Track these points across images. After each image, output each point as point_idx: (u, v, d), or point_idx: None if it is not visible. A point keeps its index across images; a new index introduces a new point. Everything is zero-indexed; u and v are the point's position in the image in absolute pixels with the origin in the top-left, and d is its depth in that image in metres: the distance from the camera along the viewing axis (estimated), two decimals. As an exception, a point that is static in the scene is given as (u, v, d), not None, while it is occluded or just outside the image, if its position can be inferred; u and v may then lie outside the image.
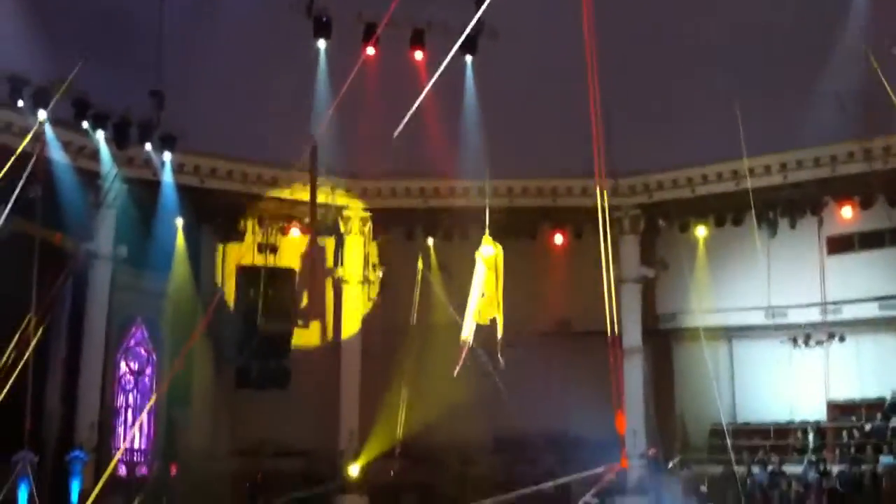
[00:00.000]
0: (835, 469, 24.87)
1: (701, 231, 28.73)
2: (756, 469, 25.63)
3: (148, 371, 28.10)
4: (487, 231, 13.27)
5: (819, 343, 27.50)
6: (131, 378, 27.72)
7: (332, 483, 22.65)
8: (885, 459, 24.56)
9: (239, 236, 28.67)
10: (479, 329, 12.78)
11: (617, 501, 24.03)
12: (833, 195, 26.91)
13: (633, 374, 26.79)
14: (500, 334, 12.21)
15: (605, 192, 10.96)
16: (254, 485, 23.95)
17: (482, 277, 12.71)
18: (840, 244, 28.10)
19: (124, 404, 27.30)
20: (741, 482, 24.23)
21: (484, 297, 12.61)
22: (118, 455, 15.45)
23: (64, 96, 22.06)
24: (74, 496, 22.22)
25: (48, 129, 23.14)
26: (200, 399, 28.22)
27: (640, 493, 24.52)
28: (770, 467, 25.75)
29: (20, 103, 22.53)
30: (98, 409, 24.83)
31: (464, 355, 13.02)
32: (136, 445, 26.86)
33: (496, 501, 17.79)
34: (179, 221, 27.56)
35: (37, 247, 21.61)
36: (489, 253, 12.69)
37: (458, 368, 13.03)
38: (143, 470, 26.43)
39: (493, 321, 12.62)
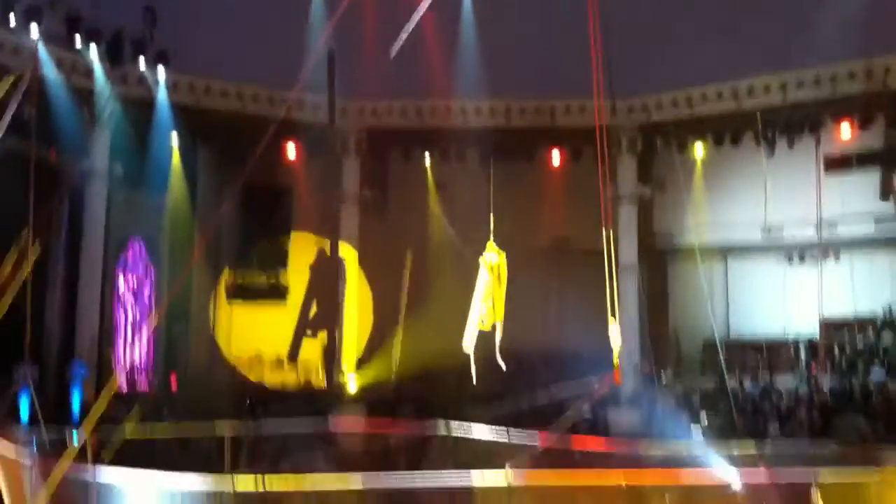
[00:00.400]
0: (826, 383, 25.24)
1: (699, 151, 28.70)
2: (748, 383, 26.00)
3: (146, 288, 28.32)
4: (492, 237, 13.27)
5: (814, 261, 27.70)
6: (130, 295, 27.95)
7: (330, 395, 23.02)
8: (875, 374, 24.93)
9: (236, 155, 28.64)
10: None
11: (610, 414, 24.39)
12: (832, 115, 26.82)
13: (629, 292, 27.00)
14: (499, 338, 12.35)
15: (603, 111, 10.92)
16: (252, 396, 24.32)
17: (488, 284, 12.76)
18: (838, 163, 28.10)
19: (123, 320, 27.57)
20: (733, 396, 24.60)
21: (489, 306, 12.64)
22: (119, 371, 15.65)
23: (56, 12, 21.84)
24: (76, 408, 22.57)
25: (41, 46, 22.96)
26: (198, 314, 28.51)
27: (633, 406, 24.89)
28: (762, 382, 26.13)
29: (12, 21, 22.31)
30: (98, 325, 25.10)
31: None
32: (137, 360, 27.21)
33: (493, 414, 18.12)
34: (175, 140, 27.51)
35: (32, 165, 21.60)
36: (493, 260, 12.75)
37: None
38: (144, 383, 26.83)
39: (494, 326, 12.67)
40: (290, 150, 28.90)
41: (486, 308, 12.09)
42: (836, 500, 13.15)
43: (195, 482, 12.92)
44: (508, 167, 28.59)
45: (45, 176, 22.60)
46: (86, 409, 20.84)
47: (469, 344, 11.94)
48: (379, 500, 17.37)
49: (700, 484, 14.89)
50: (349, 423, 21.16)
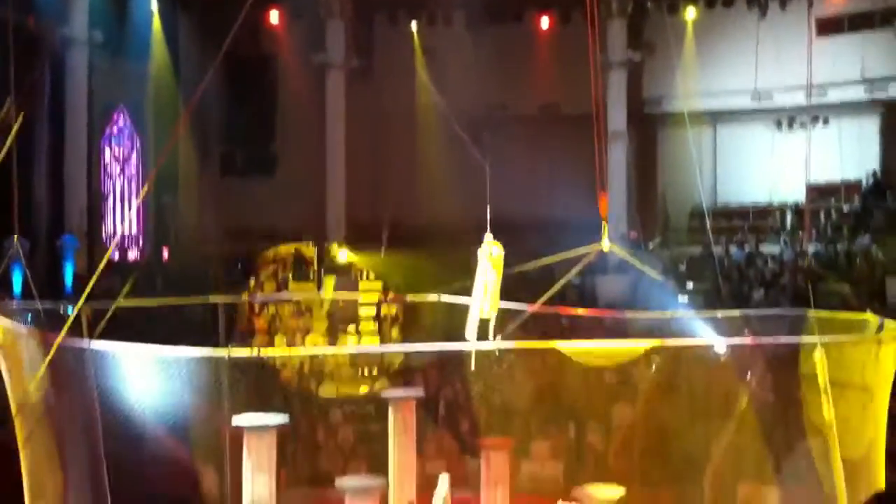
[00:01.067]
0: (811, 249, 25.56)
1: (690, 13, 28.20)
2: (734, 249, 26.31)
3: (133, 158, 28.12)
4: (489, 229, 13.12)
5: (802, 126, 27.63)
6: (117, 164, 27.76)
7: (320, 266, 23.14)
8: (860, 239, 25.22)
9: (217, 21, 27.98)
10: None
11: (598, 281, 24.73)
12: (826, -27, 26.32)
13: (617, 158, 26.99)
14: (492, 324, 12.44)
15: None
16: (245, 264, 24.44)
17: (491, 277, 12.75)
18: (829, 26, 27.71)
19: (112, 190, 27.47)
20: (719, 263, 24.92)
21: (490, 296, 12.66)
22: (115, 243, 15.68)
23: None
24: (68, 280, 22.70)
25: None
26: (187, 185, 28.41)
27: (620, 273, 25.19)
28: (747, 248, 26.43)
29: None
30: (86, 195, 25.01)
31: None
32: (127, 231, 27.24)
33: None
34: (154, 5, 26.82)
35: (10, 32, 21.05)
36: (494, 252, 12.65)
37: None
38: (136, 254, 26.93)
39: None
40: (273, 15, 28.25)
41: (488, 300, 12.29)
42: (830, 362, 13.42)
43: (191, 352, 13.10)
44: (496, 31, 28.12)
45: (25, 43, 22.07)
46: (78, 281, 20.98)
47: (471, 335, 12.27)
48: (371, 364, 17.77)
49: (686, 350, 15.20)
50: (341, 293, 21.36)
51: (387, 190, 27.92)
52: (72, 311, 14.30)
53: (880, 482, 13.04)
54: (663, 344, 15.41)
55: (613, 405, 16.56)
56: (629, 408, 16.26)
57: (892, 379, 13.14)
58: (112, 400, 13.34)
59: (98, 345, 13.42)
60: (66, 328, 12.58)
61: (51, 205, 24.55)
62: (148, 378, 13.69)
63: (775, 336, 14.53)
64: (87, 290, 13.43)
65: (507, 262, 19.11)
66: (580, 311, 18.16)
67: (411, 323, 19.38)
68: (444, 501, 14.97)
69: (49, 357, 12.30)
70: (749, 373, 15.20)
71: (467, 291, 17.11)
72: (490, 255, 12.34)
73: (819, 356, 12.52)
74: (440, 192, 26.24)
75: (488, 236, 12.47)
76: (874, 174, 27.44)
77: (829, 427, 12.83)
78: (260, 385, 15.91)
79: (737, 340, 14.62)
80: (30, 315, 16.38)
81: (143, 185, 26.74)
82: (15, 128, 17.07)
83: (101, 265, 12.40)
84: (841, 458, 13.03)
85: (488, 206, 15.53)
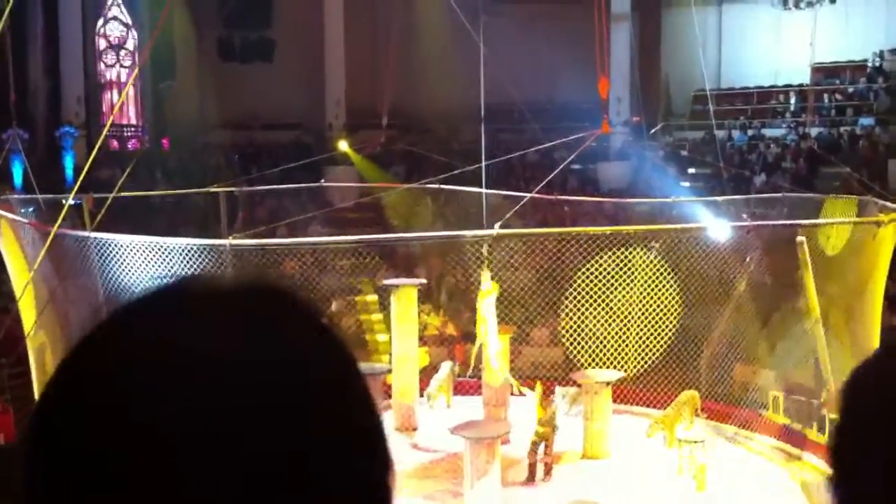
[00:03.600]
0: (814, 131, 25.36)
1: None
2: (736, 133, 26.11)
3: (129, 45, 27.70)
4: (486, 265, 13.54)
5: (810, 5, 27.05)
6: (113, 53, 27.36)
7: (321, 153, 23.03)
8: (863, 121, 25.00)
9: None
10: None
11: (599, 168, 24.64)
12: None
13: (620, 41, 26.51)
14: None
15: None
16: (243, 155, 24.36)
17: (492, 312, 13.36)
18: None
19: (109, 79, 27.15)
20: (721, 146, 24.77)
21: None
22: (107, 128, 15.52)
23: None
24: (69, 170, 22.66)
25: None
26: (184, 72, 28.05)
27: (622, 159, 25.10)
28: (750, 131, 26.22)
29: None
30: (83, 84, 24.73)
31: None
32: (126, 120, 27.03)
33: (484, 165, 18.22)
34: None
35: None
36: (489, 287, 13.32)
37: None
38: (135, 143, 26.80)
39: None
40: None
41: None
42: (829, 244, 13.49)
43: (192, 242, 13.18)
44: None
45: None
46: (78, 171, 20.93)
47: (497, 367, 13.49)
48: (372, 252, 17.83)
49: (685, 235, 15.26)
50: (342, 182, 21.37)
51: (385, 75, 27.54)
52: (71, 201, 14.37)
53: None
54: (664, 231, 15.50)
55: (613, 291, 16.69)
56: (629, 293, 16.39)
57: (889, 261, 13.22)
58: (114, 290, 13.49)
59: (99, 235, 13.51)
60: (62, 216, 12.64)
61: (48, 93, 24.31)
62: (150, 268, 13.82)
63: (775, 220, 14.59)
64: (82, 177, 13.44)
65: (508, 148, 19.05)
66: (581, 198, 18.23)
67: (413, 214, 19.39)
68: (443, 386, 15.27)
69: (47, 245, 12.38)
70: (748, 257, 15.28)
71: (467, 181, 17.12)
72: (488, 291, 13.13)
73: (800, 242, 12.58)
74: (439, 76, 25.89)
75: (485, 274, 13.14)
76: (880, 55, 27.01)
77: (814, 310, 12.96)
78: (262, 274, 16.04)
79: (737, 224, 14.67)
80: (31, 205, 16.46)
81: (140, 72, 26.39)
82: (7, 11, 16.76)
83: (94, 151, 12.34)
84: (839, 337, 13.22)
85: (482, 93, 15.35)
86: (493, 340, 13.47)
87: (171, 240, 13.14)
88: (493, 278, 13.63)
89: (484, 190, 16.07)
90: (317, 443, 0.80)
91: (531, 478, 12.71)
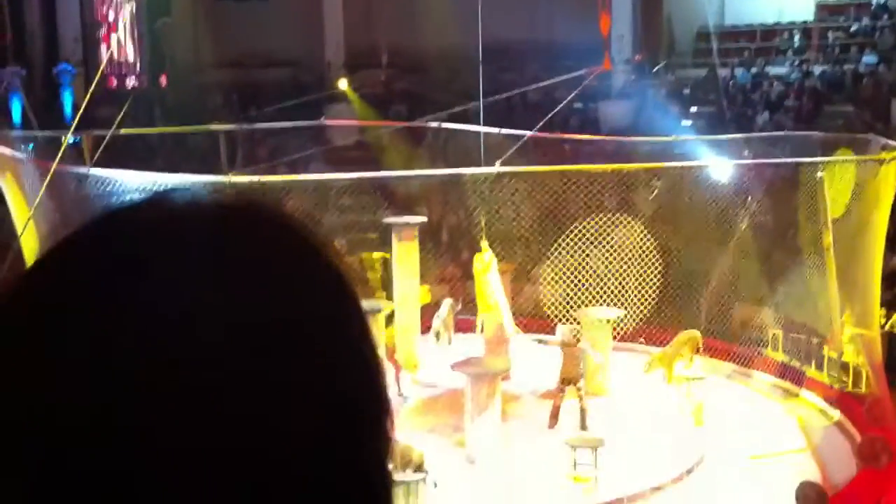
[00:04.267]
0: (817, 69, 25.15)
1: None
2: (739, 71, 25.89)
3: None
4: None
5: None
6: (109, -9, 27.04)
7: (320, 93, 22.87)
8: (867, 59, 24.77)
9: None
10: None
11: (601, 107, 24.46)
12: None
13: (622, -22, 26.17)
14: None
15: None
16: (243, 93, 24.20)
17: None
18: None
19: (105, 18, 26.84)
20: (724, 85, 24.59)
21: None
22: (103, 66, 15.39)
23: None
24: (67, 108, 22.52)
25: None
26: (181, 10, 27.73)
27: (624, 98, 24.91)
28: (753, 69, 26.00)
29: None
30: (79, 23, 24.48)
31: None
32: (123, 58, 26.79)
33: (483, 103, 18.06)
34: None
35: None
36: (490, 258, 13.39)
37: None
38: (133, 81, 26.59)
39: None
40: None
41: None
42: (830, 182, 13.46)
43: (191, 179, 13.13)
44: None
45: None
46: (77, 109, 20.81)
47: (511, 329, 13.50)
48: (373, 191, 17.80)
49: (687, 174, 15.23)
50: (342, 121, 21.24)
51: (384, 13, 27.21)
52: (70, 139, 14.29)
53: (876, 300, 13.30)
54: (666, 169, 15.46)
55: (614, 229, 16.69)
56: (630, 231, 16.38)
57: (891, 200, 13.19)
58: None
59: (98, 171, 13.46)
60: (60, 154, 12.59)
61: (45, 32, 24.07)
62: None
63: (777, 158, 14.54)
64: (79, 115, 13.36)
65: (507, 86, 18.91)
66: (582, 136, 18.12)
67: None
68: (444, 324, 15.34)
69: (46, 182, 12.35)
70: (749, 196, 15.26)
71: (468, 122, 17.02)
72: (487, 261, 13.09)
73: (821, 179, 12.57)
74: (439, 15, 25.59)
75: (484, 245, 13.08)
76: (887, -9, 26.67)
77: (827, 249, 12.97)
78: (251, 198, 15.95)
79: (738, 162, 14.62)
80: (31, 144, 16.38)
81: (135, 11, 26.11)
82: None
83: (92, 88, 12.26)
84: (838, 276, 13.26)
85: (480, 32, 15.17)
86: (506, 314, 13.48)
87: (171, 176, 13.11)
88: (494, 215, 13.65)
89: (482, 128, 15.97)
90: (309, 382, 0.71)
91: (554, 422, 12.53)
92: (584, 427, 12.29)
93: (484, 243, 13.62)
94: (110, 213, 0.75)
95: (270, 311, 0.71)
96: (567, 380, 12.55)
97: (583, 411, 12.41)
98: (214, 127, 17.35)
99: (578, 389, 12.43)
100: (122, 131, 16.68)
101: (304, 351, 0.71)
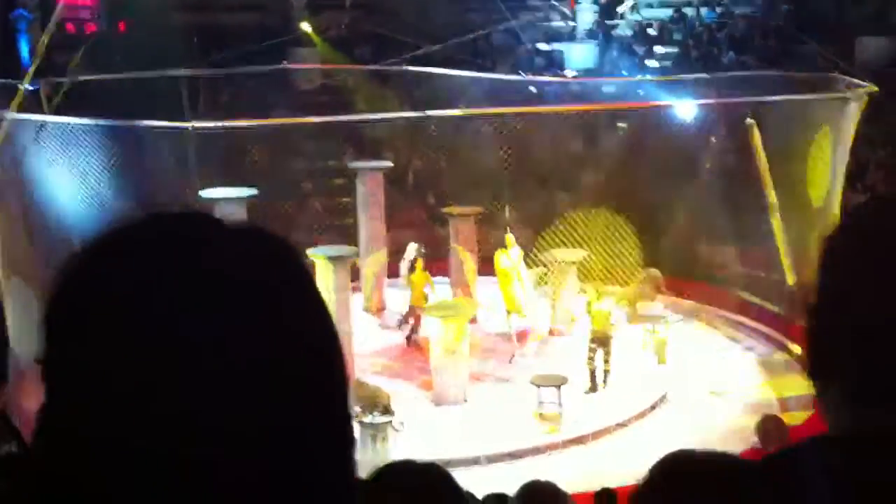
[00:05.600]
0: (784, 6, 25.06)
1: None
2: (705, 10, 25.71)
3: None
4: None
5: None
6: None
7: (285, 36, 22.54)
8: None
9: None
10: None
11: (565, 49, 24.27)
12: None
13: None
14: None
15: None
16: (205, 38, 23.77)
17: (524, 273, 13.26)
18: None
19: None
20: (689, 25, 24.51)
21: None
22: (60, 8, 15.08)
23: None
24: (24, 54, 22.08)
25: None
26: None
27: (589, 39, 24.73)
28: (719, 8, 25.83)
29: None
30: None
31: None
32: (81, 2, 26.24)
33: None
34: None
35: None
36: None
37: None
38: (92, 27, 26.06)
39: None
40: None
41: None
42: (796, 120, 13.50)
43: (153, 125, 12.99)
44: None
45: None
46: (34, 56, 20.42)
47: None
48: (338, 136, 17.70)
49: (652, 115, 15.23)
50: (303, 65, 20.99)
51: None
52: (27, 86, 14.06)
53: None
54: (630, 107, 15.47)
55: (580, 171, 16.72)
56: (595, 173, 16.42)
57: (853, 137, 13.30)
58: (76, 176, 13.35)
59: (58, 119, 13.28)
60: (16, 101, 12.40)
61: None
62: (111, 152, 13.66)
63: (741, 98, 14.56)
64: (36, 63, 13.13)
65: (473, 26, 18.79)
66: (548, 78, 18.06)
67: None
68: (411, 266, 15.31)
69: (4, 132, 12.17)
70: (713, 137, 15.31)
71: (434, 64, 16.90)
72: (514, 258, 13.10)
73: (750, 125, 12.59)
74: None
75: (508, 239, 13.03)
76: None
77: (770, 196, 13.05)
78: (228, 158, 15.87)
79: (701, 102, 14.63)
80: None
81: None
82: None
83: (48, 34, 12.03)
84: (803, 209, 13.34)
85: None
86: (538, 310, 13.39)
87: (133, 123, 12.96)
88: (461, 158, 13.60)
89: (448, 71, 15.89)
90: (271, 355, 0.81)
91: (593, 387, 12.26)
92: (593, 388, 12.23)
93: (510, 237, 13.42)
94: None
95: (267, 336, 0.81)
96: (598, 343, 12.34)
97: (605, 372, 12.31)
98: (174, 72, 17.12)
99: (599, 348, 12.29)
100: (81, 78, 16.42)
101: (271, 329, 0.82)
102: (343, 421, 0.86)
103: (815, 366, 1.05)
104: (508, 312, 13.31)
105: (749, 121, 12.63)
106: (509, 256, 13.30)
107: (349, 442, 0.87)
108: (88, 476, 0.77)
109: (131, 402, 0.76)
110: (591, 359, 12.31)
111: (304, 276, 0.89)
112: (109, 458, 0.76)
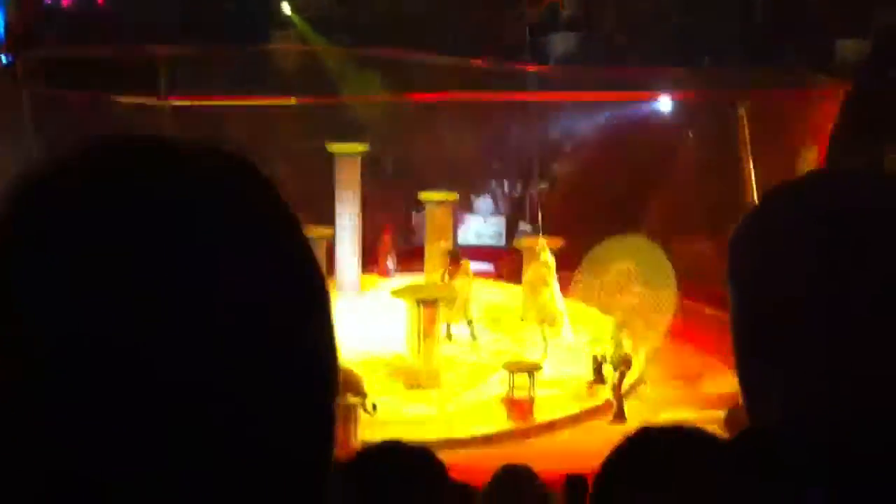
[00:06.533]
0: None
1: None
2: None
3: None
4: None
5: None
6: None
7: (265, 16, 22.35)
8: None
9: None
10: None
11: (550, 38, 24.23)
12: None
13: None
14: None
15: None
16: (186, 14, 23.55)
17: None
18: None
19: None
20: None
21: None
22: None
23: None
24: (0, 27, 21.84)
25: None
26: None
27: (572, 30, 24.71)
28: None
29: None
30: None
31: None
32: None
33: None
34: None
35: None
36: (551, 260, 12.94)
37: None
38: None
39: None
40: None
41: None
42: (764, 118, 13.57)
43: (129, 100, 12.91)
44: None
45: None
46: (10, 28, 20.18)
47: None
48: (316, 116, 17.58)
49: (629, 105, 15.27)
50: (284, 46, 20.85)
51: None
52: (2, 59, 13.92)
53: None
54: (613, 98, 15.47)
55: (556, 159, 16.74)
56: (572, 162, 16.44)
57: (827, 132, 13.41)
58: (52, 149, 13.22)
59: (35, 91, 13.17)
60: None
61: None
62: (86, 126, 13.52)
63: (717, 91, 14.63)
64: (12, 33, 12.98)
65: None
66: (526, 66, 18.00)
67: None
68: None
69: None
70: (688, 129, 15.37)
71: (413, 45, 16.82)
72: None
73: (742, 113, 12.65)
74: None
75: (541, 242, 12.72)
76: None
77: (749, 182, 13.12)
78: (205, 137, 15.73)
79: (678, 92, 14.68)
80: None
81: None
82: None
83: (23, 5, 11.87)
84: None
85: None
86: (559, 301, 13.00)
87: (111, 96, 12.85)
88: (439, 144, 13.51)
89: (429, 56, 15.84)
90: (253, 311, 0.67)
91: (620, 415, 11.48)
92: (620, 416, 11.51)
93: (542, 242, 13.07)
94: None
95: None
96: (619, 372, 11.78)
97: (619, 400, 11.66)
98: (154, 48, 16.96)
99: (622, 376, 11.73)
100: (58, 51, 16.28)
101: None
102: (328, 386, 0.72)
103: (735, 346, 1.03)
104: (540, 322, 12.86)
105: (740, 109, 12.69)
106: (546, 264, 12.92)
107: (332, 415, 0.73)
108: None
109: (84, 357, 0.63)
110: (617, 388, 11.68)
111: (286, 209, 0.73)
112: (65, 414, 0.63)
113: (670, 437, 1.13)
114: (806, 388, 0.93)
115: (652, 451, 1.13)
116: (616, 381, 11.61)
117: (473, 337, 13.34)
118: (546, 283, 12.75)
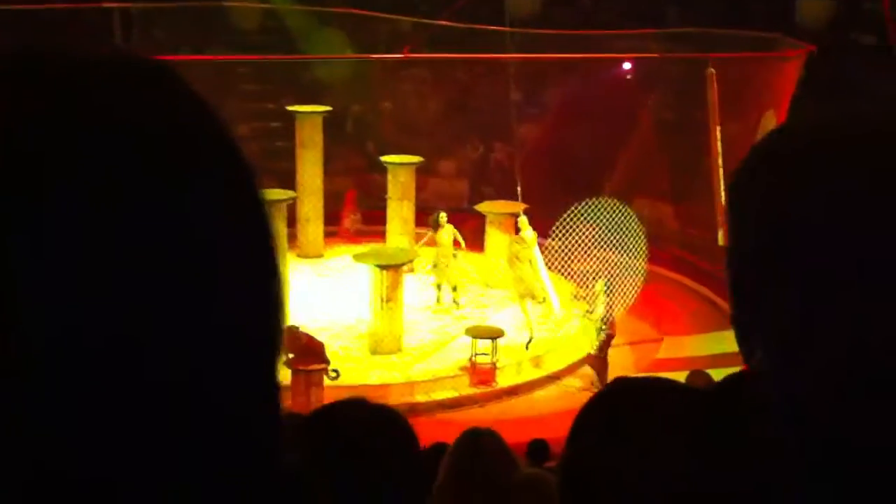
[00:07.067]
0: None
1: None
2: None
3: None
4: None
5: None
6: None
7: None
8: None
9: None
10: None
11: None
12: None
13: None
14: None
15: None
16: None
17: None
18: None
19: None
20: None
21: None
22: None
23: None
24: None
25: None
26: None
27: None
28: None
29: None
30: None
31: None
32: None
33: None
34: None
35: None
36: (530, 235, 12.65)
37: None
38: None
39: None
40: None
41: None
42: (732, 79, 13.53)
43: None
44: None
45: None
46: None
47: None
48: (277, 76, 17.32)
49: (593, 66, 15.19)
50: (243, 3, 20.46)
51: None
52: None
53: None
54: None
55: (520, 123, 16.62)
56: (535, 126, 16.34)
57: (790, 96, 13.41)
58: None
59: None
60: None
61: None
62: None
63: (681, 53, 14.56)
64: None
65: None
66: (491, 27, 17.81)
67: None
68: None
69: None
70: (653, 91, 15.32)
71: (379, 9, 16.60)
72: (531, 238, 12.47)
73: (710, 75, 12.59)
74: None
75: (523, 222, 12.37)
76: None
77: (715, 147, 13.10)
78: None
79: (645, 56, 14.60)
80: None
81: None
82: None
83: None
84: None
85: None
86: (553, 293, 12.78)
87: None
88: (402, 106, 13.34)
89: (392, 15, 15.61)
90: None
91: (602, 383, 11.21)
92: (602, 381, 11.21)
93: (523, 219, 12.88)
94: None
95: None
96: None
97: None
98: (107, 4, 16.55)
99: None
100: (4, 7, 15.77)
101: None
102: (272, 343, 0.64)
103: (734, 310, 0.98)
104: (521, 297, 12.69)
105: (710, 70, 12.59)
106: (524, 239, 12.75)
107: (274, 371, 0.65)
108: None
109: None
110: (605, 350, 11.67)
111: (225, 131, 0.62)
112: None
113: (646, 387, 1.10)
114: (783, 334, 0.88)
115: (627, 400, 1.09)
116: (600, 344, 11.57)
117: (456, 303, 13.26)
118: (522, 259, 12.57)
